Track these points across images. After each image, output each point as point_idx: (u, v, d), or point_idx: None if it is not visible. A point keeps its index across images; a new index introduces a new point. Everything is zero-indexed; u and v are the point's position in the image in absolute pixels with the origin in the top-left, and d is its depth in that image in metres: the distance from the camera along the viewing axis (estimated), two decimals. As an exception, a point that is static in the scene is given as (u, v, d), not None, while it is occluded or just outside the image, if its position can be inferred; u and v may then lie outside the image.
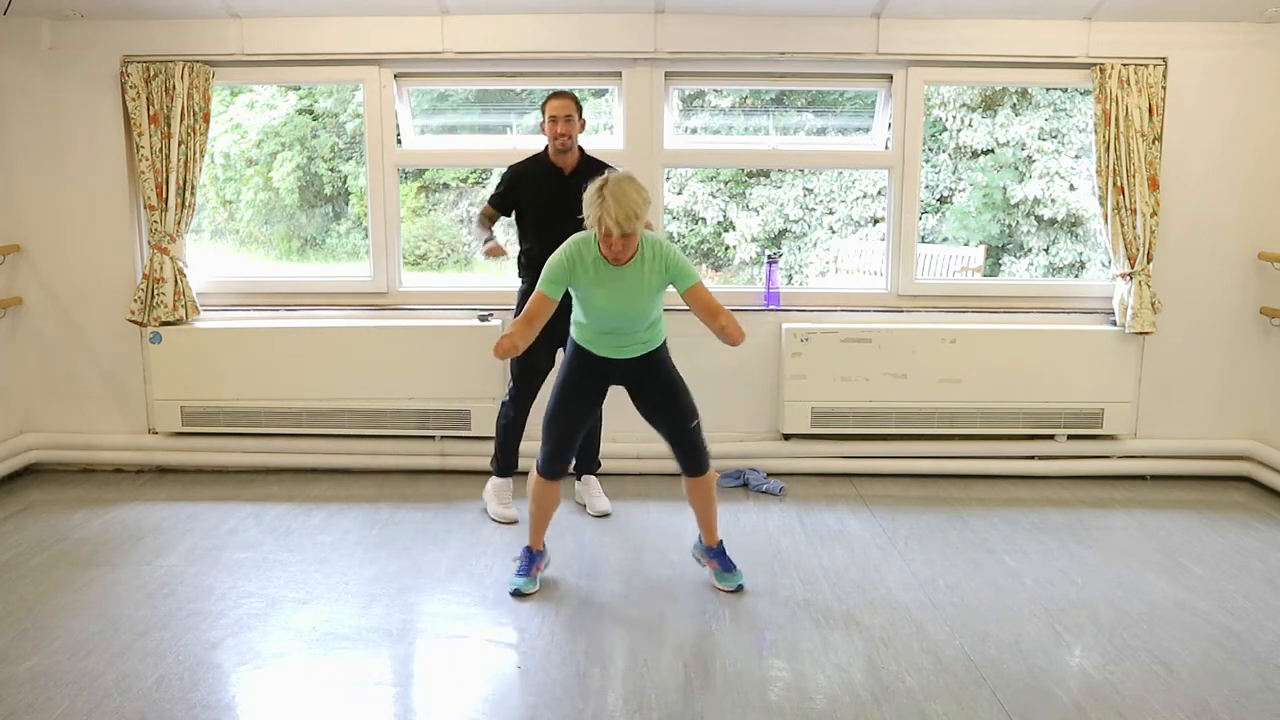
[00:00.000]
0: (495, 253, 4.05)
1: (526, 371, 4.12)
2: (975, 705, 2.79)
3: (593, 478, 4.36)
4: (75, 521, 4.16)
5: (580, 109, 4.03)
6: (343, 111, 10.06)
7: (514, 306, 4.18)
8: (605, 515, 4.24)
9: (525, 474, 3.66)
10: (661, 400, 3.43)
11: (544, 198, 4.04)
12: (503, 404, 4.26)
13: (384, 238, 4.81)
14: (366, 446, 4.75)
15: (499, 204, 4.16)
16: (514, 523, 4.10)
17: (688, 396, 3.44)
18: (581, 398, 3.45)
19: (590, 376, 3.44)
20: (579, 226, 3.75)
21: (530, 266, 4.08)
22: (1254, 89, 4.54)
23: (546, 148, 4.08)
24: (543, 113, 4.03)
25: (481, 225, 4.18)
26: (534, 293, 3.27)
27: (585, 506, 4.32)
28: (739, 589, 3.49)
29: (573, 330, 3.45)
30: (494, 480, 4.27)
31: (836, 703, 2.80)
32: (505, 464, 4.27)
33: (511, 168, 4.19)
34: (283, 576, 3.62)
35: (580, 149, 4.10)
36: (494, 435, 4.31)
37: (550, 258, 3.30)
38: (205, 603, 3.40)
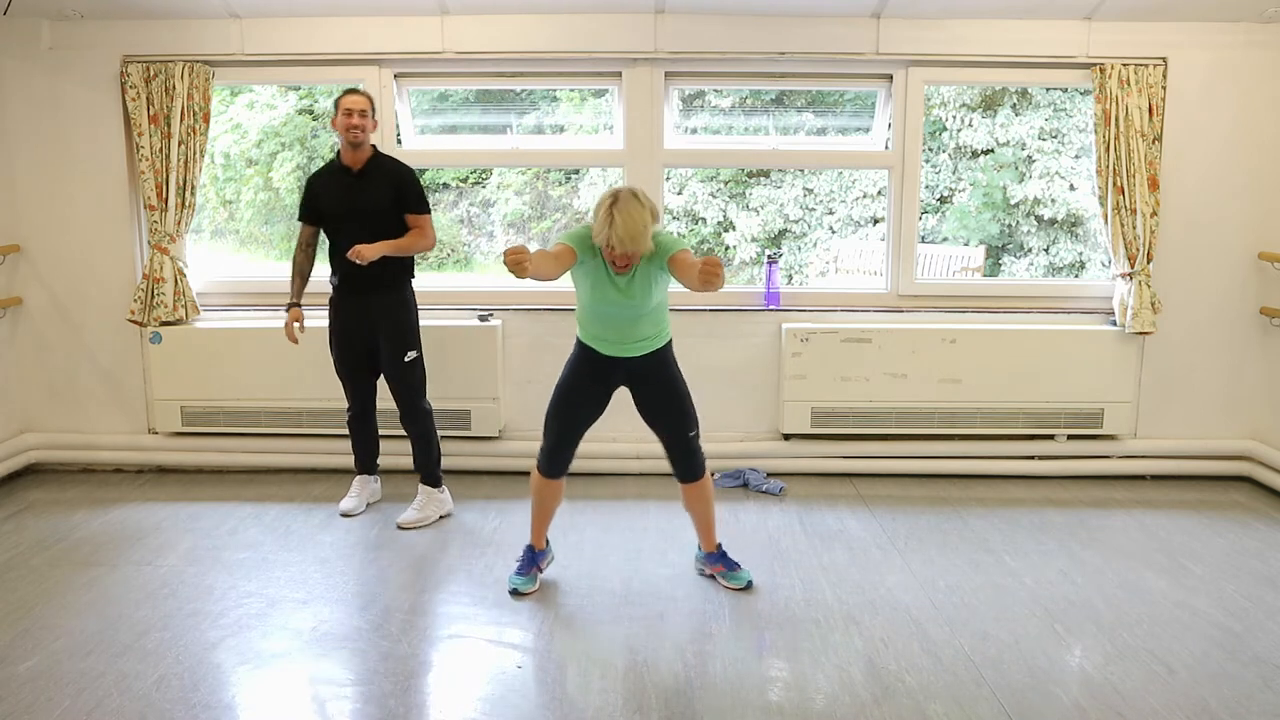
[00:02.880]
0: (290, 329, 4.14)
1: (344, 371, 4.22)
2: (975, 705, 2.79)
3: (424, 488, 4.28)
4: (75, 521, 4.16)
5: (373, 109, 4.06)
6: (343, 111, 10.05)
7: (326, 317, 4.21)
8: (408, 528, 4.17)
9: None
10: (663, 404, 3.41)
11: (336, 201, 4.06)
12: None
13: (384, 238, 4.80)
14: (366, 446, 4.75)
15: (304, 215, 4.15)
16: (347, 513, 4.22)
17: (690, 404, 3.43)
18: (584, 396, 3.43)
19: (593, 376, 3.42)
20: (371, 226, 3.97)
21: (336, 271, 4.13)
22: (1254, 89, 4.54)
23: (338, 152, 4.08)
24: (335, 109, 4.03)
25: (294, 277, 4.20)
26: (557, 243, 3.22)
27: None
28: (749, 586, 3.49)
29: (578, 330, 3.44)
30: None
31: (836, 703, 2.81)
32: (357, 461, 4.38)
33: (307, 179, 4.22)
34: (283, 576, 3.62)
35: (373, 147, 4.09)
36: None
37: (574, 228, 3.30)
38: (205, 603, 3.40)
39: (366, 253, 3.88)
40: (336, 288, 4.14)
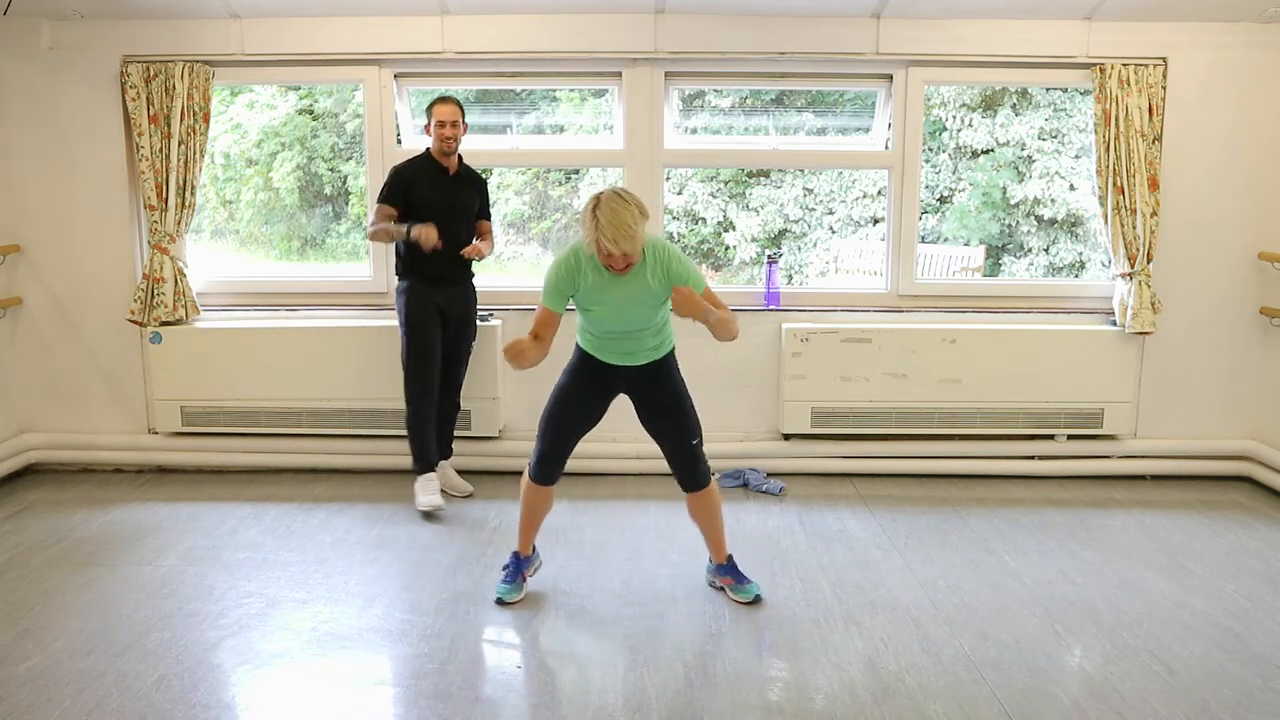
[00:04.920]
0: (429, 239, 4.09)
1: (427, 359, 4.25)
2: (975, 705, 2.79)
3: (445, 464, 4.50)
4: (75, 521, 4.16)
5: (464, 114, 4.23)
6: (343, 111, 10.06)
7: (396, 308, 4.32)
8: (469, 495, 4.44)
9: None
10: (664, 413, 3.35)
11: (433, 196, 4.20)
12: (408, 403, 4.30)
13: (384, 238, 4.80)
14: (366, 446, 4.75)
15: (393, 200, 4.20)
16: (439, 508, 4.21)
17: (692, 412, 3.36)
18: (582, 404, 3.37)
19: (593, 384, 3.36)
20: (465, 225, 4.23)
21: (407, 265, 4.25)
22: (1254, 89, 4.54)
23: (428, 150, 4.26)
24: (428, 115, 4.18)
25: (386, 225, 4.21)
26: (538, 308, 3.21)
27: (444, 492, 4.44)
28: (757, 600, 3.44)
29: (578, 336, 3.39)
30: (419, 478, 4.33)
31: (836, 703, 2.81)
32: (423, 460, 4.32)
33: (396, 168, 4.29)
34: (283, 576, 3.62)
35: (459, 155, 4.30)
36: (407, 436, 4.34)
37: (549, 269, 3.24)
38: (205, 603, 3.40)
39: (485, 250, 4.33)
40: (420, 277, 4.23)
